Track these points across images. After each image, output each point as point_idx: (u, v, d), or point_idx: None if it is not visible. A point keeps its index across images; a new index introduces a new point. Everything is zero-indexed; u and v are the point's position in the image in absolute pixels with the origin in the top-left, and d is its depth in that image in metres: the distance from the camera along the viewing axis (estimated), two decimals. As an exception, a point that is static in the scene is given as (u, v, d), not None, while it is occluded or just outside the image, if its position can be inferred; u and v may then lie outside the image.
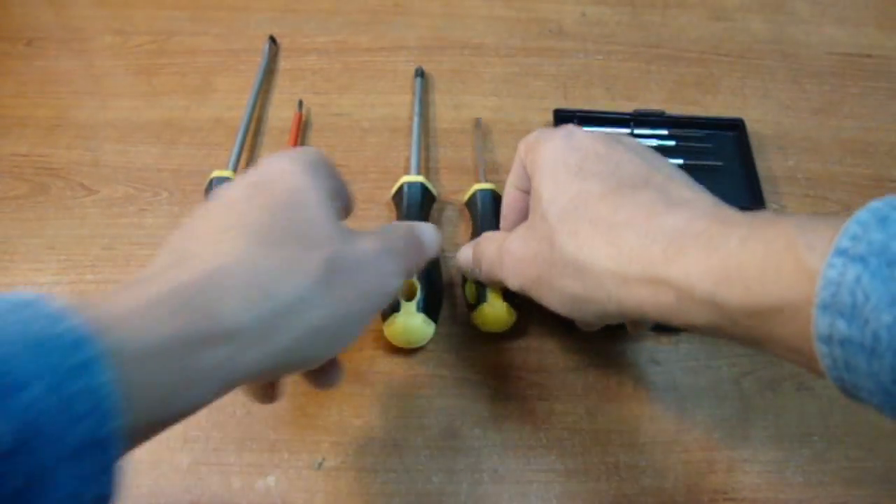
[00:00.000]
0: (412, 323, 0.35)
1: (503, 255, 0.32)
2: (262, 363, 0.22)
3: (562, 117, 0.49)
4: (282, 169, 0.26)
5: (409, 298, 0.36)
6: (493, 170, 0.47)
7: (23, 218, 0.44)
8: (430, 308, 0.36)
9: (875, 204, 0.20)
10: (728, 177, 0.47)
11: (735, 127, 0.49)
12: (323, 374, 0.30)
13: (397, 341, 0.36)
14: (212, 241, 0.23)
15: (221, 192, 0.26)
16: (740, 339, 0.24)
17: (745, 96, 0.53)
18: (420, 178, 0.42)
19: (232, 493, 0.35)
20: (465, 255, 0.36)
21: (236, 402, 0.37)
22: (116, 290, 0.20)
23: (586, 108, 0.50)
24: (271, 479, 0.35)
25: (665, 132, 0.49)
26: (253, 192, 0.25)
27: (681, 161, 0.48)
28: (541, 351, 0.40)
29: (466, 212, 0.43)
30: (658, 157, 0.31)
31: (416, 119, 0.47)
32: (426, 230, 0.31)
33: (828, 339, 0.20)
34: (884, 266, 0.18)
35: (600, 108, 0.50)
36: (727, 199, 0.45)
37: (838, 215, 0.21)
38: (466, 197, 0.42)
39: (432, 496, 0.35)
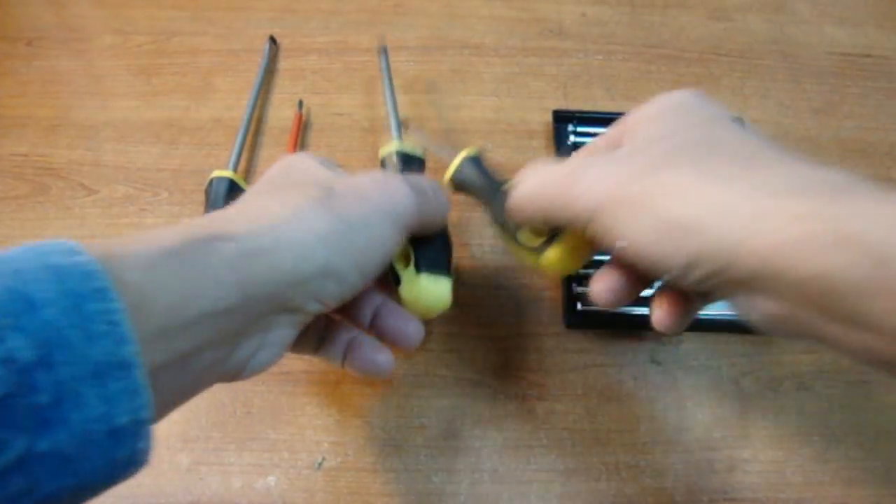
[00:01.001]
0: (416, 288, 0.31)
1: (577, 170, 0.26)
2: (278, 271, 0.23)
3: (561, 117, 0.49)
4: (289, 158, 0.29)
5: (407, 265, 0.32)
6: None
7: (23, 218, 0.44)
8: (432, 264, 0.31)
9: None
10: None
11: (735, 127, 0.49)
12: (400, 328, 0.30)
13: (417, 313, 0.32)
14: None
15: None
16: None
17: (745, 96, 0.53)
18: (404, 146, 0.38)
19: (232, 493, 0.35)
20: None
21: (236, 402, 0.37)
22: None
23: (586, 108, 0.50)
24: (271, 479, 0.35)
25: (665, 132, 0.49)
26: (263, 178, 0.28)
27: (681, 161, 0.48)
28: (541, 351, 0.40)
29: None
30: None
31: (386, 91, 0.45)
32: (433, 182, 0.31)
33: None
34: None
35: (600, 109, 0.50)
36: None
37: None
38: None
39: (432, 496, 0.35)
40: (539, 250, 0.31)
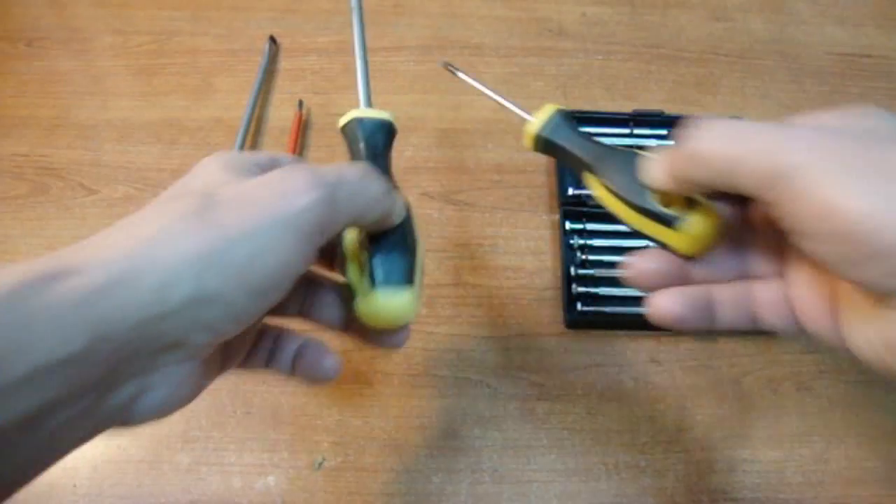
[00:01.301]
0: (372, 305, 0.26)
1: (787, 126, 0.22)
2: (138, 304, 0.19)
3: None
4: (199, 162, 0.25)
5: (363, 273, 0.27)
6: (495, 170, 0.47)
7: (23, 218, 0.44)
8: (389, 273, 0.26)
9: None
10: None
11: (735, 127, 0.49)
12: (314, 362, 0.27)
13: (375, 327, 0.27)
14: None
15: None
16: None
17: (745, 96, 0.53)
18: (366, 111, 0.30)
19: (232, 493, 0.35)
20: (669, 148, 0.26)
21: (236, 402, 0.37)
22: None
23: (586, 108, 0.50)
24: (271, 479, 0.35)
25: (664, 132, 0.49)
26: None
27: (681, 161, 0.48)
28: (541, 351, 0.40)
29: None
30: None
31: (356, 41, 0.34)
32: (356, 168, 0.25)
33: None
34: None
35: (600, 109, 0.50)
36: (727, 199, 0.46)
37: None
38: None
39: (432, 496, 0.35)
40: (677, 220, 0.26)
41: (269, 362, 0.28)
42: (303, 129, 0.49)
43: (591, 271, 0.42)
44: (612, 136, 0.48)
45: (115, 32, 0.54)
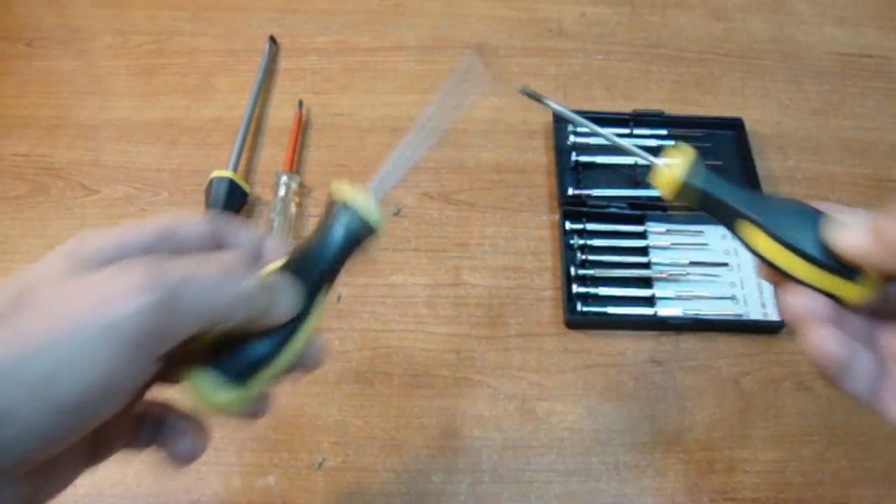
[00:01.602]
0: (190, 383, 0.23)
1: None
2: None
3: (561, 117, 0.49)
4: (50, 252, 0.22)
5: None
6: (495, 170, 0.47)
7: (23, 218, 0.44)
8: (225, 366, 0.23)
9: None
10: (727, 176, 0.47)
11: (734, 127, 0.49)
12: (172, 442, 0.24)
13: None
14: None
15: None
16: None
17: (745, 96, 0.53)
18: (372, 209, 0.25)
19: (232, 493, 0.35)
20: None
21: (236, 402, 0.37)
22: None
23: (586, 108, 0.50)
24: (271, 479, 0.35)
25: (664, 132, 0.49)
26: None
27: (681, 161, 0.48)
28: (541, 351, 0.40)
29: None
30: None
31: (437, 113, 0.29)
32: (218, 263, 0.22)
33: None
34: None
35: (600, 109, 0.50)
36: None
37: None
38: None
39: (432, 496, 0.35)
40: (858, 274, 0.26)
41: (155, 441, 0.25)
42: (303, 129, 0.49)
43: (591, 271, 0.42)
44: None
45: (115, 32, 0.55)
